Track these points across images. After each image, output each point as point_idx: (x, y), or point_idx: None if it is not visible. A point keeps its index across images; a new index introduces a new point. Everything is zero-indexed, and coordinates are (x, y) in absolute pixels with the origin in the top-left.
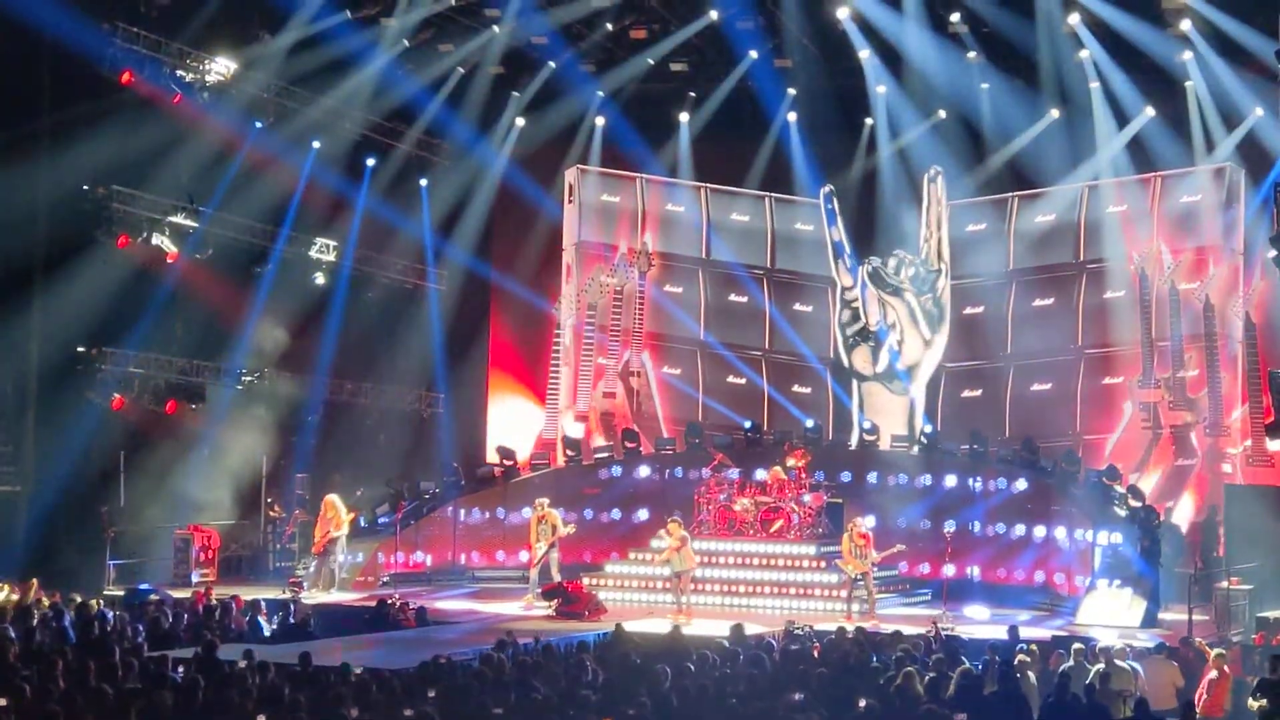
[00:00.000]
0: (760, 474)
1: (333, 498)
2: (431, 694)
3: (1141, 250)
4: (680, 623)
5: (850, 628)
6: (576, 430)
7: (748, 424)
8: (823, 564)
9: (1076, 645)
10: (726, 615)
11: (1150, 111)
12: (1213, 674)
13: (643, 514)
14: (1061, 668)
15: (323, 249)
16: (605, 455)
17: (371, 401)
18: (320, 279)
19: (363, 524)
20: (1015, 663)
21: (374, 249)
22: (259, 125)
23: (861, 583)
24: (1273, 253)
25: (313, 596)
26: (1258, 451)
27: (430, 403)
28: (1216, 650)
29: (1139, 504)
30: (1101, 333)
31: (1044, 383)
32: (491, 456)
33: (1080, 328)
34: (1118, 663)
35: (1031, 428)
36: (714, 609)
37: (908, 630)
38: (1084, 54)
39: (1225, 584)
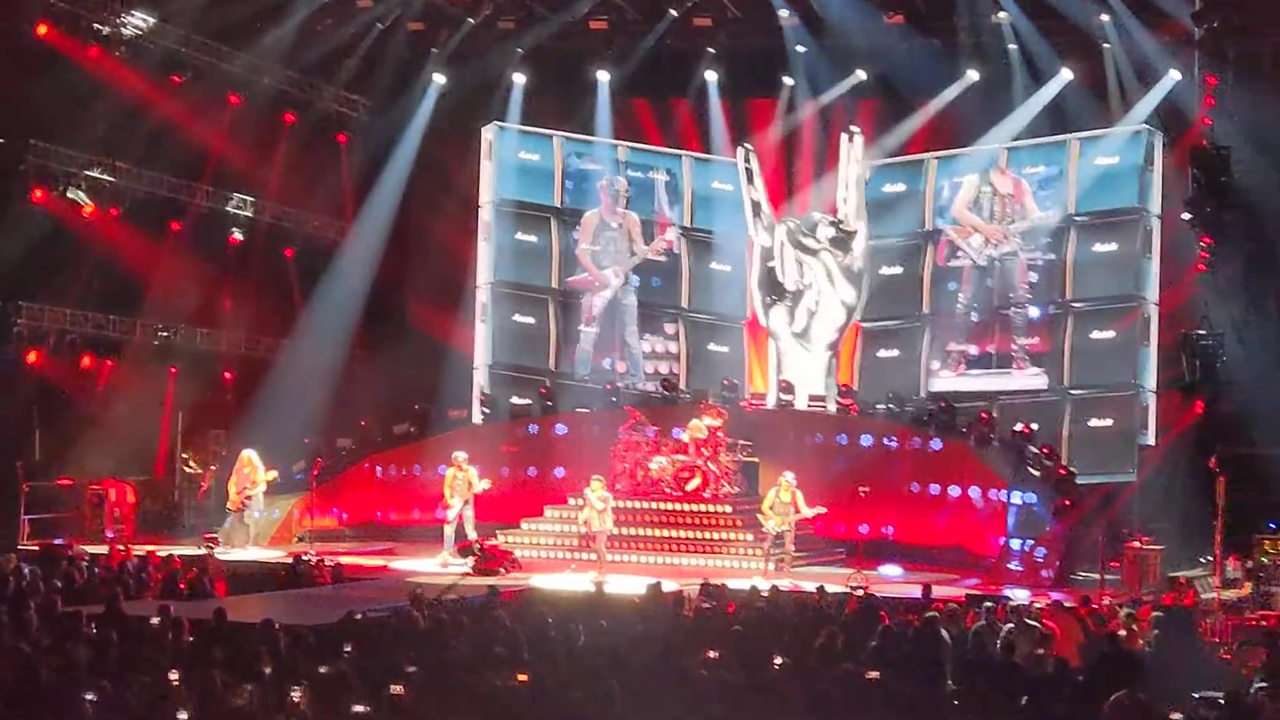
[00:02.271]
0: (677, 433)
1: (249, 453)
2: (347, 650)
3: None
4: (597, 580)
5: (766, 585)
6: (496, 387)
7: (662, 382)
8: (739, 523)
9: (989, 604)
10: (643, 572)
11: (1068, 74)
12: (1121, 633)
13: (560, 471)
14: (975, 627)
15: (240, 204)
16: (523, 412)
17: (289, 357)
18: (238, 234)
19: (279, 481)
20: (929, 621)
21: (293, 204)
22: (177, 79)
23: (781, 540)
24: (1187, 215)
25: (228, 553)
26: (1168, 413)
27: (349, 359)
28: (1125, 610)
29: (1052, 464)
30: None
31: (964, 340)
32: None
33: (1008, 283)
34: (1029, 621)
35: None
36: (630, 566)
37: (826, 588)
38: (1002, 16)
39: (1136, 544)
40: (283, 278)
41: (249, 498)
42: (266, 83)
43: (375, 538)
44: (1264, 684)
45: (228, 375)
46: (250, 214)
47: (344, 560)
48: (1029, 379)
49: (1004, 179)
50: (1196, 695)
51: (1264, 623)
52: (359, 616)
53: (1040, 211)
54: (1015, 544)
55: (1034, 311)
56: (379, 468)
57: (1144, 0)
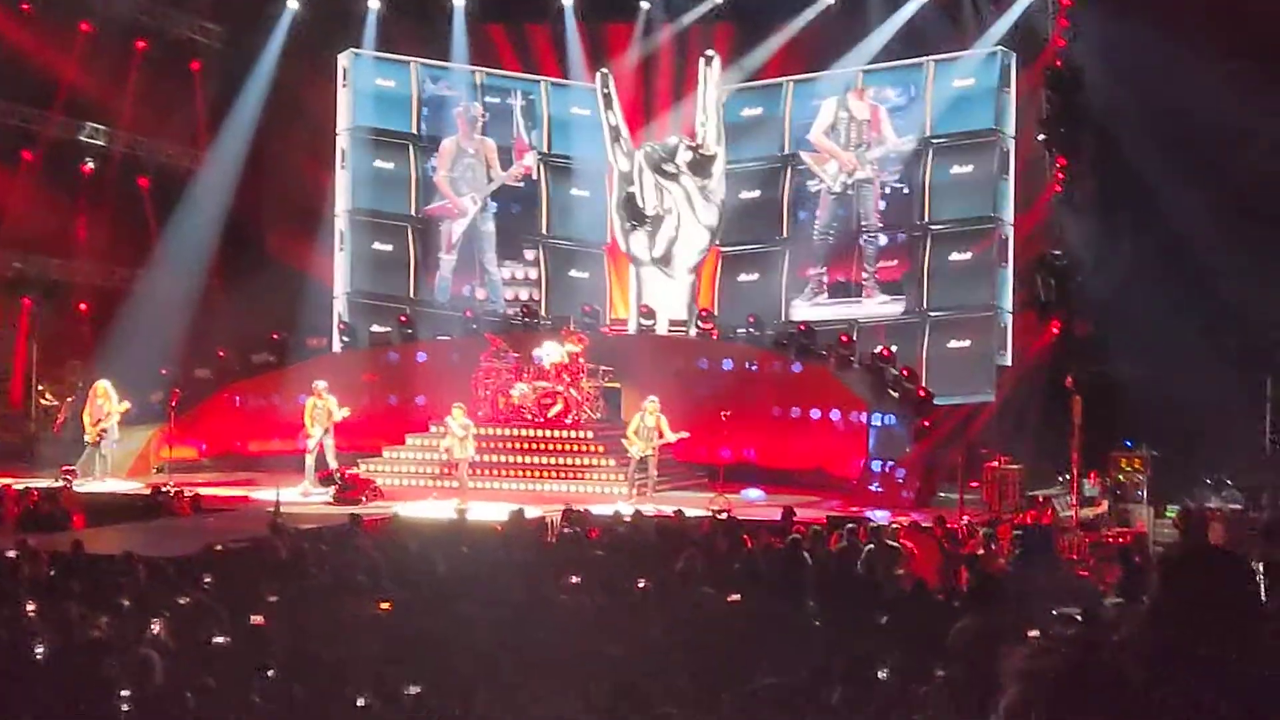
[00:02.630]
0: (538, 359)
1: (104, 384)
2: (207, 580)
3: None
4: (459, 508)
5: (629, 510)
6: (355, 315)
7: (523, 308)
8: (601, 448)
9: (850, 525)
10: (505, 499)
11: None
12: (980, 552)
13: (420, 399)
14: (836, 548)
15: (93, 133)
16: (383, 341)
17: (146, 287)
18: (91, 163)
19: (137, 411)
20: (791, 544)
21: (146, 133)
22: (26, 7)
23: (645, 465)
24: (1042, 136)
25: (85, 485)
26: (1025, 334)
27: (206, 288)
28: (985, 529)
29: (911, 386)
30: (882, 219)
31: (821, 266)
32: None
33: (861, 210)
34: (889, 542)
35: (802, 275)
36: (493, 493)
37: (686, 513)
38: None
39: (995, 464)
40: (137, 207)
41: (104, 429)
42: (118, 10)
43: (235, 468)
44: (1119, 600)
45: (83, 306)
46: (103, 143)
47: (203, 491)
48: (878, 307)
49: (861, 104)
50: (1055, 612)
51: (1121, 540)
52: (219, 547)
53: (896, 137)
54: (876, 466)
55: (883, 239)
56: (238, 397)
57: None
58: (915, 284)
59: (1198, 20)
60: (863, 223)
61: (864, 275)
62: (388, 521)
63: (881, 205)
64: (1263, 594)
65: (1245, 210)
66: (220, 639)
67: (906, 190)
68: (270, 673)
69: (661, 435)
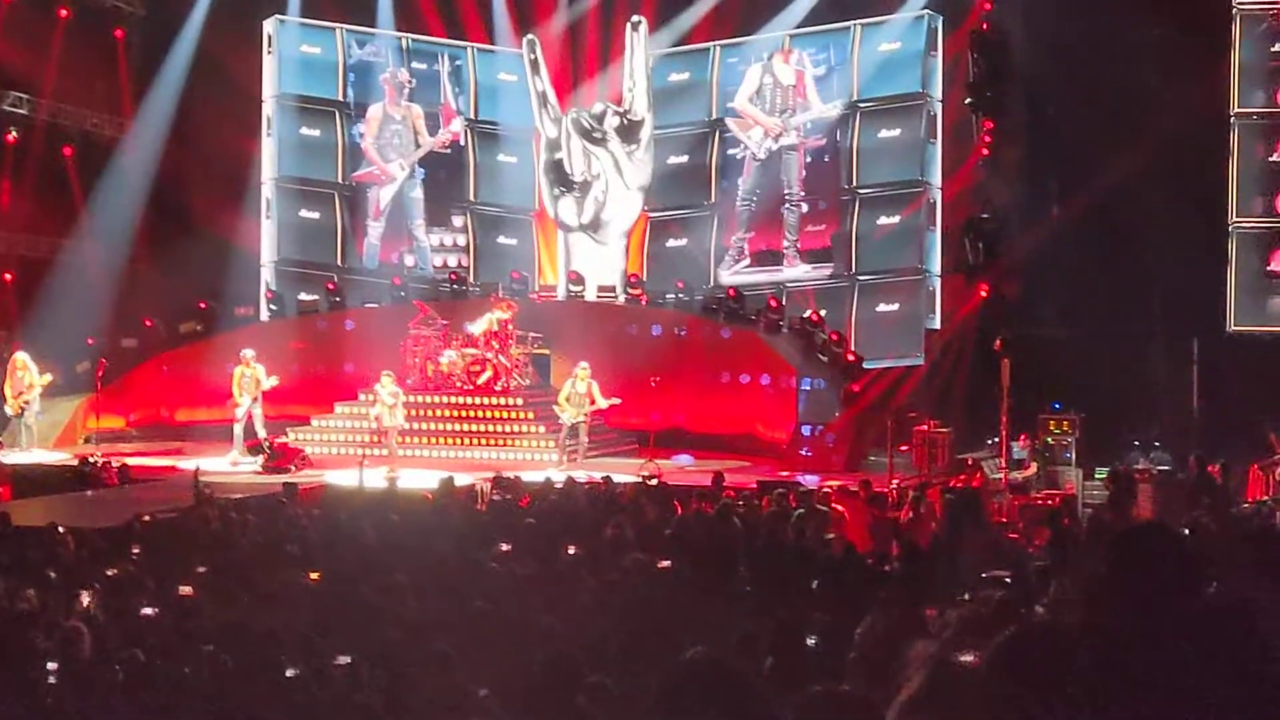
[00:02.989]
0: (467, 326)
1: (21, 356)
2: (135, 551)
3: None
4: (388, 476)
5: (560, 477)
6: (283, 283)
7: (451, 275)
8: (531, 415)
9: (780, 490)
10: (435, 467)
11: None
12: (909, 516)
13: (349, 367)
14: (766, 513)
15: (15, 102)
16: (311, 309)
17: (71, 257)
18: (13, 133)
19: (63, 382)
20: (721, 509)
21: (70, 102)
22: None
23: (576, 431)
24: (968, 100)
25: (10, 456)
26: (954, 297)
27: (132, 257)
28: (914, 493)
29: (840, 350)
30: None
31: (744, 233)
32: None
33: (784, 177)
34: (818, 506)
35: (728, 244)
36: (422, 461)
37: (617, 479)
38: None
39: (925, 427)
40: (62, 177)
41: (26, 401)
42: None
43: (163, 438)
44: (1044, 562)
45: (7, 276)
46: (26, 112)
47: (131, 461)
48: (803, 273)
49: (786, 69)
50: (984, 575)
51: (1050, 502)
52: (147, 518)
53: (821, 103)
54: (805, 430)
55: (805, 207)
56: (165, 367)
57: None
58: (843, 248)
59: None
60: (785, 190)
61: (785, 243)
62: (317, 490)
63: (804, 172)
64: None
65: (1166, 173)
66: (149, 610)
67: (828, 158)
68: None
69: (593, 401)
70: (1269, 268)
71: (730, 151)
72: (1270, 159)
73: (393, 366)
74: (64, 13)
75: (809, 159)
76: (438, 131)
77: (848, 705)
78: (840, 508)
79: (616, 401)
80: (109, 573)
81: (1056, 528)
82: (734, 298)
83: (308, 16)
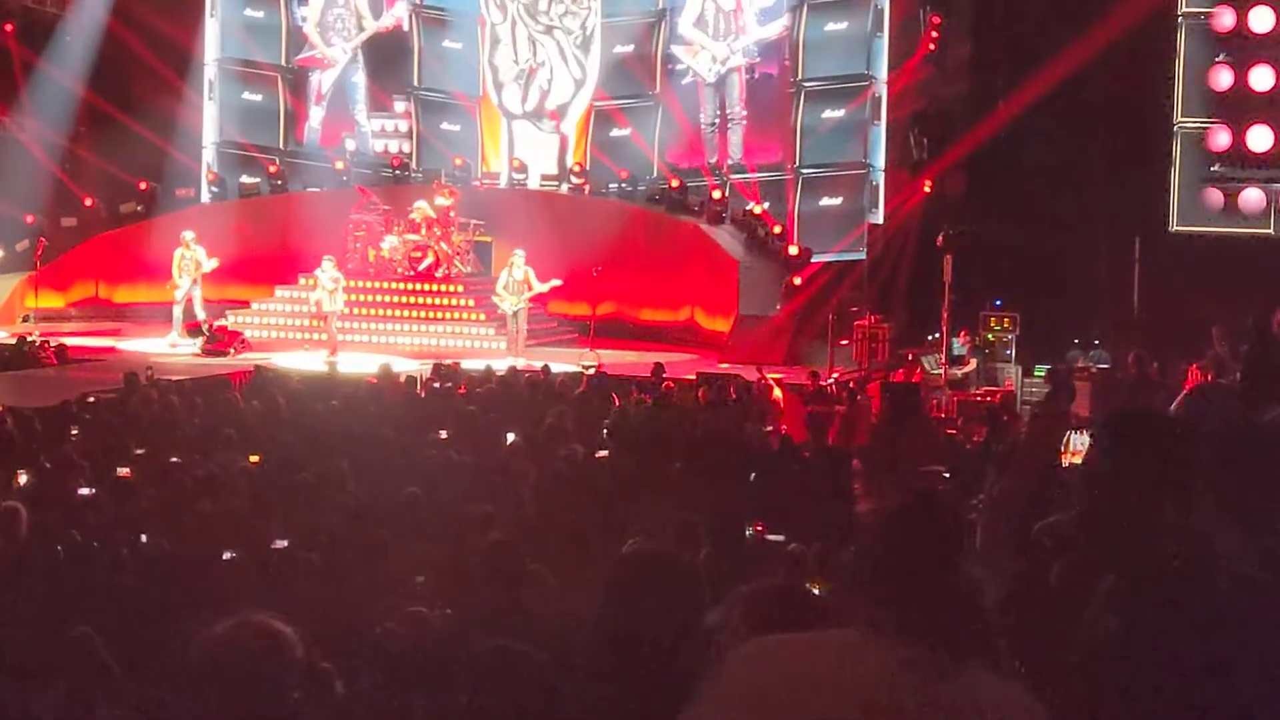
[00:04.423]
0: (408, 212)
1: None
2: (74, 433)
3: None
4: (328, 361)
5: (501, 365)
6: (224, 165)
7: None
8: (472, 303)
9: (719, 381)
10: (375, 352)
11: None
12: (844, 408)
13: (290, 251)
14: (705, 403)
15: None
16: (252, 191)
17: (11, 134)
18: None
19: (1, 260)
20: (660, 399)
21: None
22: None
23: (516, 319)
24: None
25: None
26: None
27: (73, 136)
28: (853, 386)
29: (783, 242)
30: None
31: (698, 111)
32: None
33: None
34: (758, 398)
35: (683, 167)
36: (363, 346)
37: (556, 368)
38: None
39: (866, 321)
40: (2, 54)
41: None
42: None
43: (102, 318)
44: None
45: None
46: None
47: (69, 341)
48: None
49: None
50: (922, 469)
51: (988, 399)
52: (96, 400)
53: (759, 28)
54: (746, 322)
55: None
56: (105, 247)
57: None
58: (788, 140)
59: None
60: (728, 110)
61: (729, 163)
62: (256, 374)
63: (746, 92)
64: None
65: (1113, 73)
66: (86, 491)
67: (775, 73)
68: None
69: (530, 287)
70: (1217, 149)
71: (680, 82)
72: (1217, 58)
73: (334, 251)
74: None
75: (751, 78)
76: (381, 15)
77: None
78: (779, 400)
79: (557, 283)
80: (46, 452)
81: (995, 424)
82: (678, 189)
83: None
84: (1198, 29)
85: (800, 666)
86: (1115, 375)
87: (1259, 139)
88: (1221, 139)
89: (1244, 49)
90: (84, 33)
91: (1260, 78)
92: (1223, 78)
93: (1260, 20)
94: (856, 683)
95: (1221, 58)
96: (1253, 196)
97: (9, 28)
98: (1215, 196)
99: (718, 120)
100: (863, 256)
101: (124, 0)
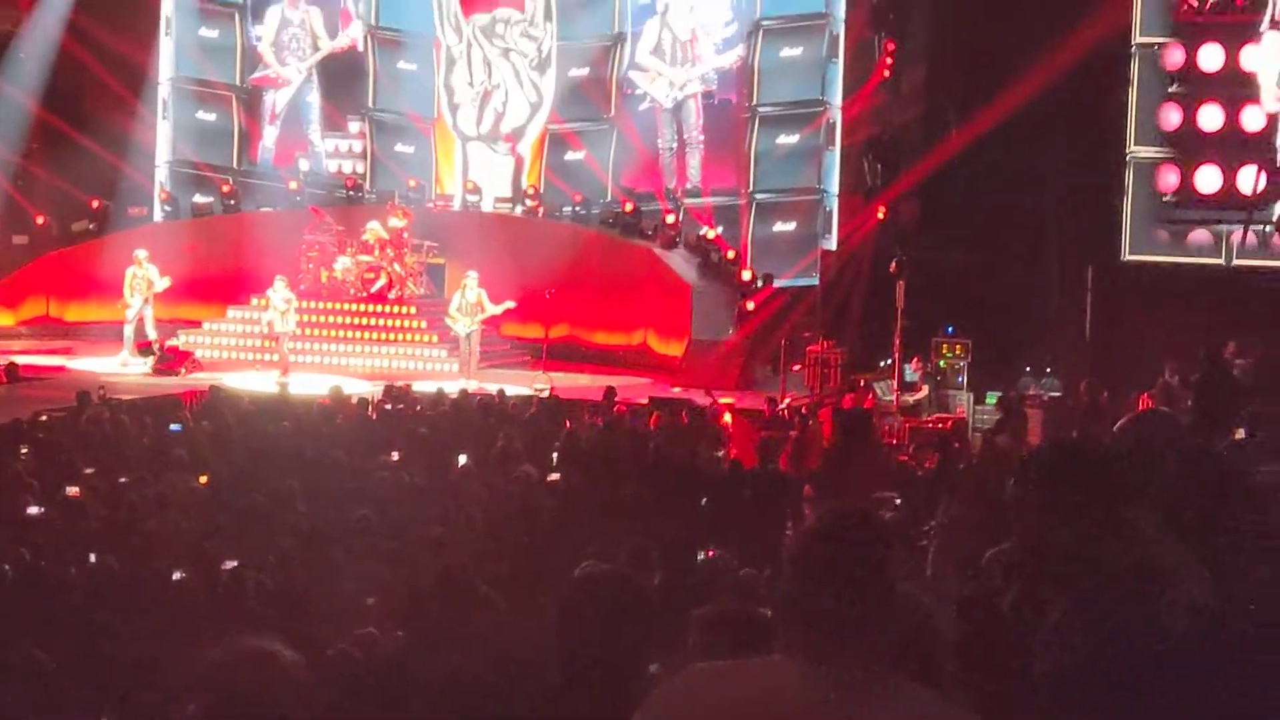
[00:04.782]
0: (361, 233)
1: None
2: (24, 451)
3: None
4: (280, 382)
5: (452, 387)
6: (178, 184)
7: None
8: (424, 324)
9: (671, 406)
10: (327, 373)
11: None
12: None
13: (242, 271)
14: (656, 428)
15: None
16: (205, 211)
17: None
18: None
19: None
20: (611, 423)
21: None
22: None
23: (469, 341)
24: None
25: None
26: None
27: (25, 153)
28: (805, 412)
29: (736, 267)
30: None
31: (656, 138)
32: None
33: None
34: (709, 423)
35: (639, 190)
36: (315, 367)
37: (510, 390)
38: None
39: (819, 347)
40: None
41: None
42: None
43: (53, 336)
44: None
45: None
46: None
47: (19, 360)
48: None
49: (681, 24)
50: (874, 495)
51: (940, 425)
52: (45, 418)
53: (715, 57)
54: (698, 347)
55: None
56: (56, 265)
57: None
58: (742, 165)
59: None
60: (685, 135)
61: (687, 187)
62: (208, 394)
63: (702, 117)
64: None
65: (1067, 100)
66: (35, 510)
67: (731, 100)
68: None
69: (484, 309)
70: (1166, 190)
71: (638, 109)
72: (1169, 89)
73: (287, 271)
74: None
75: (709, 104)
76: (336, 35)
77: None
78: (730, 425)
79: (510, 305)
80: None
81: (946, 451)
82: (631, 213)
83: None
84: (1150, 59)
85: (725, 695)
86: (1066, 403)
87: (1207, 180)
88: (1170, 179)
89: (1193, 88)
90: (38, 49)
91: (1209, 117)
92: (1171, 117)
93: (1210, 59)
94: (780, 708)
95: (1172, 92)
96: (1200, 237)
97: None
98: (1163, 235)
99: (675, 145)
100: (816, 282)
101: (79, 17)
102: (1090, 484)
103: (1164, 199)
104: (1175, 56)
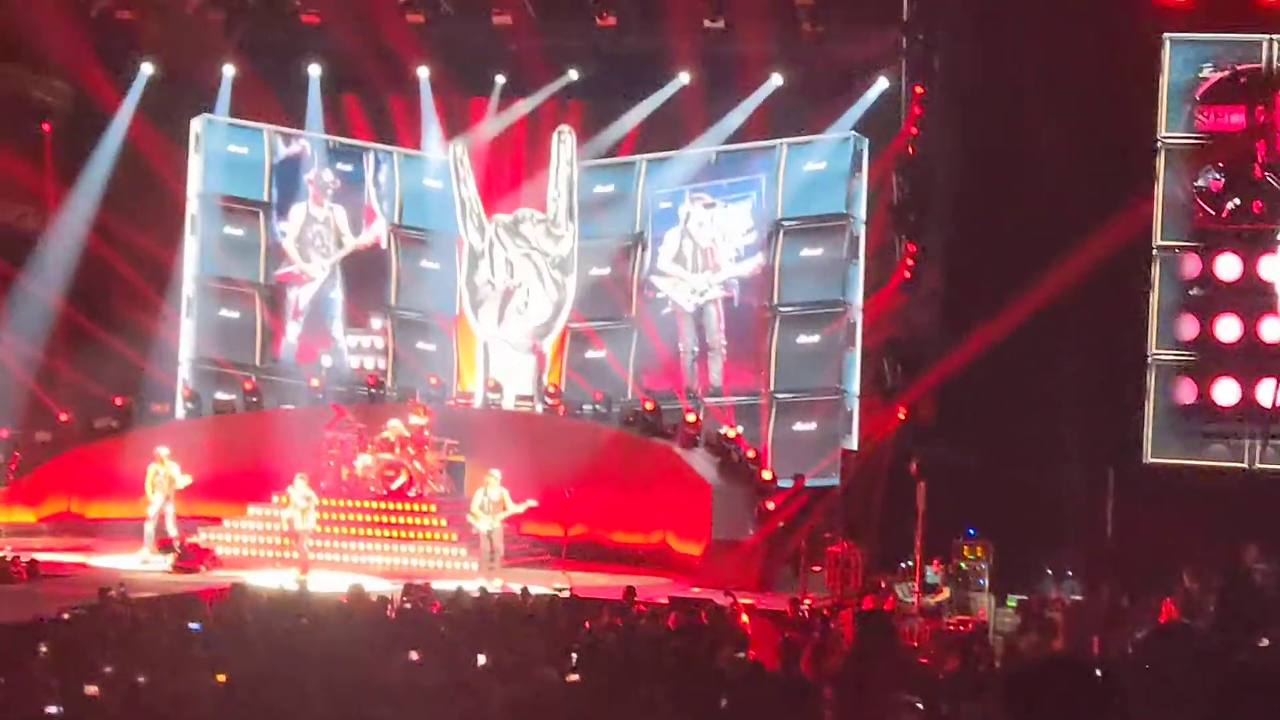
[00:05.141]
0: (382, 431)
1: None
2: (43, 650)
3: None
4: (299, 579)
5: (472, 586)
6: (200, 381)
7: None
8: (444, 522)
9: (691, 606)
10: (347, 571)
11: (778, 79)
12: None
13: (263, 468)
14: (676, 628)
15: None
16: (227, 408)
17: None
18: None
19: None
20: (631, 623)
21: None
22: None
23: (491, 539)
24: (891, 222)
25: None
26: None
27: (49, 351)
28: (826, 613)
29: (756, 467)
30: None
31: (677, 340)
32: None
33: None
34: (729, 624)
35: (658, 390)
36: (334, 565)
37: (528, 589)
38: (714, 22)
39: (839, 547)
40: None
41: None
42: None
43: (73, 533)
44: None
45: None
46: None
47: (40, 556)
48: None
49: (702, 233)
50: (895, 698)
51: (962, 628)
52: (65, 616)
53: (735, 265)
54: (718, 546)
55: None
56: (78, 462)
57: (854, 9)
58: (762, 364)
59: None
60: (707, 339)
61: (709, 388)
62: (227, 592)
63: (724, 322)
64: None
65: (1088, 301)
66: (54, 709)
67: (753, 304)
68: None
69: (505, 508)
70: (1183, 403)
71: (660, 312)
72: (1191, 292)
73: (308, 468)
74: None
75: (729, 309)
76: (360, 233)
77: None
78: (751, 626)
79: (532, 504)
80: (14, 669)
81: (967, 654)
82: (652, 412)
83: (236, 116)
84: (1170, 263)
85: None
86: (1088, 607)
87: (1225, 393)
88: (1187, 392)
89: (1210, 297)
90: (64, 247)
91: (1226, 329)
92: (1188, 328)
93: (1227, 268)
94: None
95: (1191, 297)
96: (1219, 449)
97: None
98: (1181, 447)
99: (697, 349)
100: (836, 482)
101: (104, 216)
102: (1076, 709)
103: (1182, 409)
104: (1191, 266)
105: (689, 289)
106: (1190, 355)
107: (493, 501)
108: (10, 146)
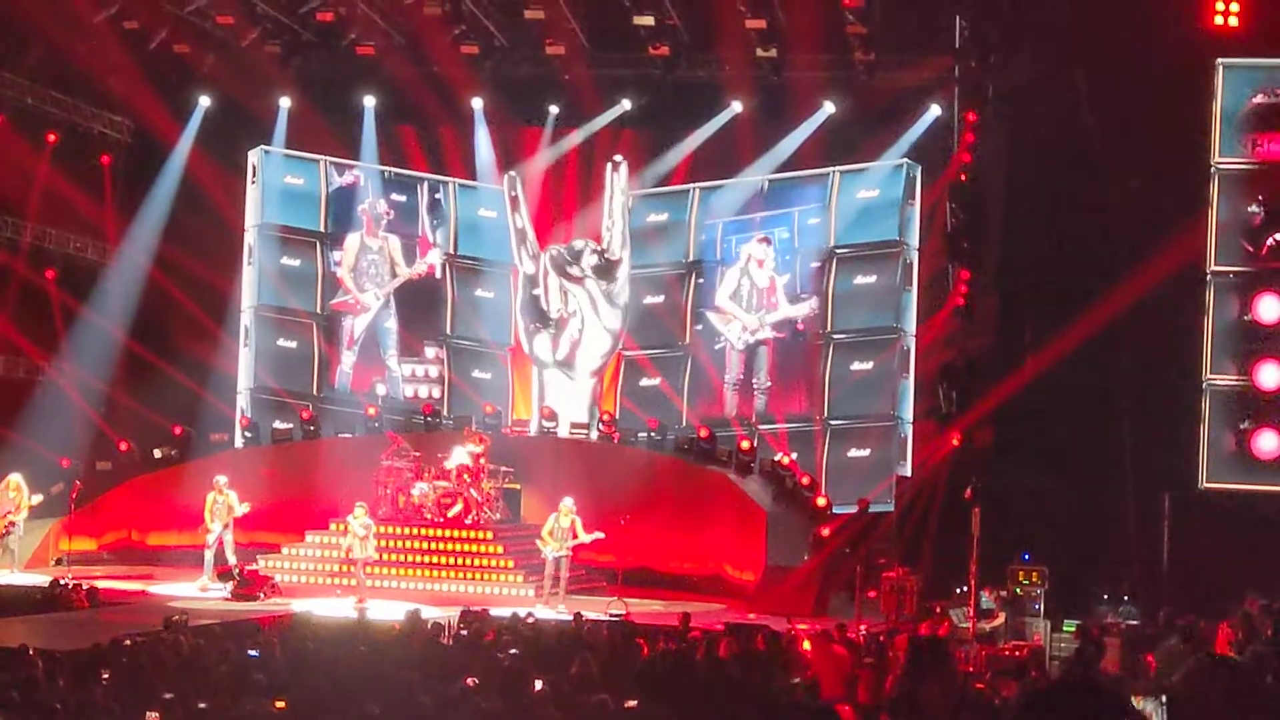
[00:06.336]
0: (439, 459)
1: (15, 478)
2: (105, 676)
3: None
4: (357, 606)
5: (529, 613)
6: (258, 410)
7: (424, 407)
8: (500, 549)
9: (747, 632)
10: (404, 598)
11: (830, 107)
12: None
13: (322, 496)
14: (732, 655)
15: (0, 225)
16: (285, 437)
17: (51, 379)
18: None
19: (40, 503)
20: (687, 649)
21: (55, 225)
22: None
23: (558, 566)
24: (944, 249)
25: None
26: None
27: (111, 381)
28: (881, 639)
29: (811, 494)
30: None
31: (724, 372)
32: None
33: (752, 366)
34: (785, 650)
35: (711, 416)
36: (392, 592)
37: (588, 616)
38: (767, 51)
39: (894, 573)
40: (44, 299)
41: (12, 523)
42: (29, 102)
43: (134, 561)
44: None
45: None
46: (11, 235)
47: (101, 584)
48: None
49: (761, 273)
50: None
51: (1017, 653)
52: (127, 642)
53: (791, 306)
54: (774, 572)
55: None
56: (139, 491)
57: (906, 37)
58: (817, 391)
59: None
60: (754, 377)
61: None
62: (285, 619)
63: (771, 363)
64: None
65: (1142, 327)
66: None
67: (806, 333)
68: None
69: (575, 536)
70: (1240, 426)
71: (713, 345)
72: (1245, 318)
73: (365, 497)
74: (52, 137)
75: (779, 350)
76: (414, 262)
77: None
78: (807, 652)
79: (600, 535)
80: (77, 696)
81: (1023, 679)
82: (706, 439)
83: (293, 148)
84: (1225, 287)
85: None
86: (1145, 632)
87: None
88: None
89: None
90: (125, 279)
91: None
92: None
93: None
94: None
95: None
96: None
97: (50, 274)
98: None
99: (739, 381)
100: (891, 508)
101: (165, 249)
102: None
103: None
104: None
105: (740, 327)
106: (1244, 381)
107: (564, 529)
108: (71, 180)
